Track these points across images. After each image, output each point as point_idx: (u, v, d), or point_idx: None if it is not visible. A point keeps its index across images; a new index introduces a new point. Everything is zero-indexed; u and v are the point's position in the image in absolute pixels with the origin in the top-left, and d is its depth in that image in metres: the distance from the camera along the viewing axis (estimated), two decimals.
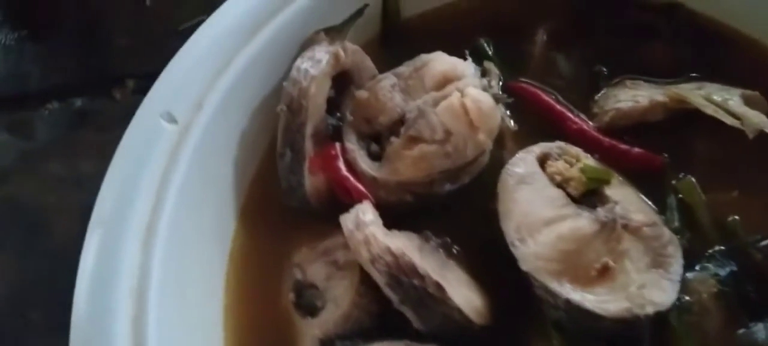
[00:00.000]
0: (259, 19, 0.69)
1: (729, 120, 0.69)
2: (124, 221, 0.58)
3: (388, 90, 0.71)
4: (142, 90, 1.01)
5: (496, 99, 0.69)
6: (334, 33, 0.73)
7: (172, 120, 0.61)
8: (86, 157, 0.96)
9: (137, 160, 0.60)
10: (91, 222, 0.60)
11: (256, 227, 0.72)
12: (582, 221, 0.63)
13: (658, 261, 0.64)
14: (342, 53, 0.71)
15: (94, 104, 1.02)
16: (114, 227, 0.58)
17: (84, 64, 1.05)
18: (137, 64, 1.04)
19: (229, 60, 0.66)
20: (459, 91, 0.67)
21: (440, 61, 0.70)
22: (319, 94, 0.69)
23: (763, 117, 0.69)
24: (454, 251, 0.69)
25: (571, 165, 0.69)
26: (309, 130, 0.69)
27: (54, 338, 0.62)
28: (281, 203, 0.72)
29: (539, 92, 0.77)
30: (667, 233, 0.66)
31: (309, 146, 0.70)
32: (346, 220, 0.63)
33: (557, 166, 0.68)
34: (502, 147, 0.74)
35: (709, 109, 0.70)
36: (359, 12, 0.73)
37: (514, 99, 0.77)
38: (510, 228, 0.64)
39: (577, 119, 0.75)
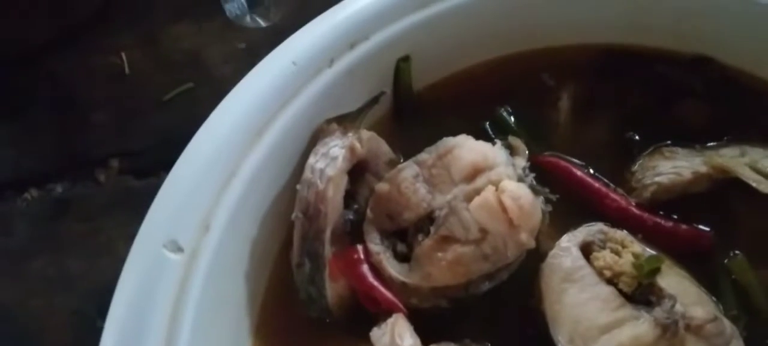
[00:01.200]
0: (267, 114, 0.61)
1: None
2: None
3: (410, 182, 0.64)
4: (129, 170, 0.95)
5: (535, 191, 0.63)
6: (347, 122, 0.66)
7: (178, 249, 0.54)
8: (73, 252, 0.88)
9: (140, 305, 0.52)
10: None
11: (275, 342, 0.65)
12: (642, 326, 0.57)
13: None
14: (358, 145, 0.64)
15: (76, 190, 0.94)
16: None
17: (62, 146, 0.97)
18: (121, 141, 0.96)
19: (235, 168, 0.58)
20: (493, 184, 0.61)
21: (467, 149, 0.64)
22: (337, 195, 0.62)
23: None
24: None
25: (618, 254, 0.62)
26: (328, 235, 0.62)
27: None
28: (298, 312, 0.65)
29: (572, 167, 0.71)
30: (728, 326, 0.60)
31: (329, 252, 0.63)
32: (380, 343, 0.57)
33: (605, 258, 0.61)
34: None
35: (763, 186, 0.64)
36: (375, 99, 0.66)
37: (541, 174, 0.71)
38: (562, 338, 0.58)
39: (616, 196, 0.69)
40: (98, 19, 1.06)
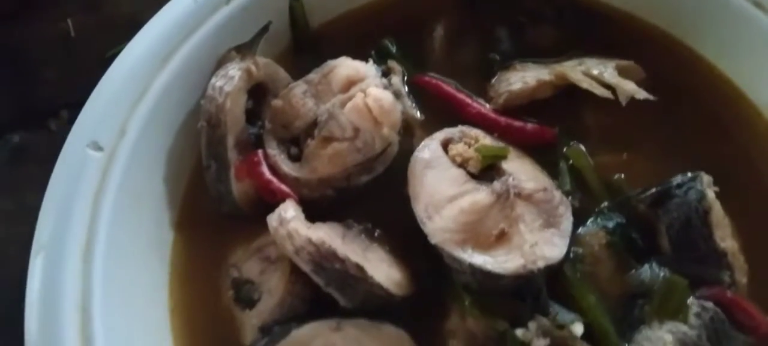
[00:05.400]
0: (171, 44, 0.75)
1: (600, 91, 0.77)
2: (62, 243, 0.65)
3: (300, 96, 0.78)
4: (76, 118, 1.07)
5: (397, 95, 0.76)
6: (244, 50, 0.79)
7: (98, 148, 0.68)
8: (30, 190, 0.98)
9: (69, 189, 0.66)
10: (33, 249, 0.66)
11: (193, 235, 0.78)
12: (480, 195, 0.71)
13: (550, 221, 0.72)
14: (253, 68, 0.77)
15: (31, 138, 1.06)
16: (54, 250, 0.65)
17: (17, 100, 1.09)
18: (69, 95, 1.08)
19: (146, 86, 0.72)
20: (362, 91, 0.74)
21: (344, 66, 0.77)
22: (235, 107, 0.76)
23: (632, 85, 0.78)
24: (376, 234, 0.76)
25: (470, 146, 0.76)
26: (230, 141, 0.76)
27: None
28: (214, 211, 0.78)
29: (440, 83, 0.84)
30: (557, 195, 0.74)
31: (232, 156, 0.76)
32: (271, 219, 0.70)
33: (457, 148, 0.75)
34: (412, 136, 0.82)
35: (585, 84, 0.78)
36: (265, 28, 0.80)
37: (419, 91, 0.85)
38: (419, 208, 0.72)
39: (475, 104, 0.83)
40: None
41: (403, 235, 0.76)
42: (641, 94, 0.77)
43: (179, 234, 0.78)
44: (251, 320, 0.72)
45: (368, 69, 0.77)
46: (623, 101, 0.78)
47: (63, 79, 1.10)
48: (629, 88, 0.77)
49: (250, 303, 0.73)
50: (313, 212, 0.75)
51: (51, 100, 1.08)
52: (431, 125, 0.82)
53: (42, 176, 1.01)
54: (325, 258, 0.68)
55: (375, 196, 0.79)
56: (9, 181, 1.02)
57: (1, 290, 0.91)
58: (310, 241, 0.68)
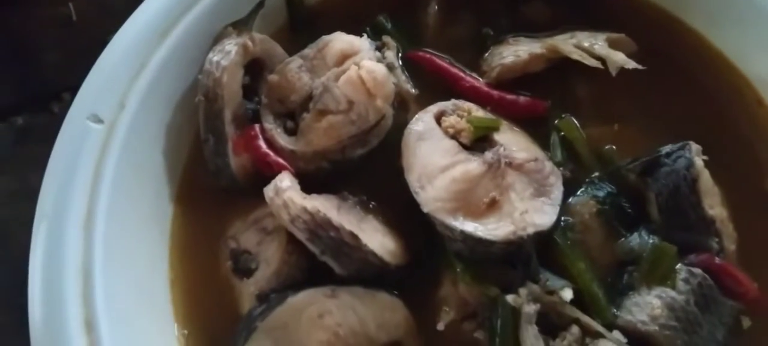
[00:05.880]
0: (169, 20, 0.77)
1: (590, 62, 0.79)
2: (64, 211, 0.67)
3: (295, 71, 0.79)
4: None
5: (390, 67, 0.78)
6: (241, 26, 0.81)
7: (99, 120, 0.70)
8: (34, 170, 1.00)
9: (71, 159, 0.68)
10: (36, 218, 0.67)
11: (192, 209, 0.80)
12: (471, 164, 0.73)
13: (541, 190, 0.74)
14: (250, 43, 0.79)
15: (35, 120, 1.08)
16: (56, 218, 0.67)
17: (21, 83, 1.11)
18: (71, 78, 1.09)
19: (144, 61, 0.74)
20: (356, 64, 0.76)
21: (339, 40, 0.79)
22: (232, 82, 0.77)
23: (622, 55, 0.79)
24: (371, 206, 0.78)
25: (463, 118, 0.78)
26: (228, 115, 0.77)
27: (25, 335, 0.69)
28: (213, 185, 0.80)
29: (434, 58, 0.86)
30: (548, 165, 0.76)
31: (230, 130, 0.78)
32: (268, 189, 0.72)
33: (450, 120, 0.77)
34: (406, 110, 0.83)
35: (575, 55, 0.79)
36: (260, 4, 0.81)
37: (414, 66, 0.86)
38: (412, 179, 0.73)
39: (469, 78, 0.84)
40: None
41: (398, 206, 0.78)
42: (631, 64, 0.78)
43: (178, 208, 0.80)
44: (249, 289, 0.73)
45: (362, 43, 0.78)
46: (613, 71, 0.79)
47: (65, 62, 1.12)
48: (619, 58, 0.78)
49: (247, 273, 0.75)
50: (310, 186, 0.77)
51: (53, 83, 1.10)
52: (425, 100, 0.83)
53: (45, 157, 1.03)
54: (320, 226, 0.69)
55: (370, 169, 0.80)
56: (13, 162, 1.04)
57: (5, 268, 0.94)
58: (305, 209, 0.70)
